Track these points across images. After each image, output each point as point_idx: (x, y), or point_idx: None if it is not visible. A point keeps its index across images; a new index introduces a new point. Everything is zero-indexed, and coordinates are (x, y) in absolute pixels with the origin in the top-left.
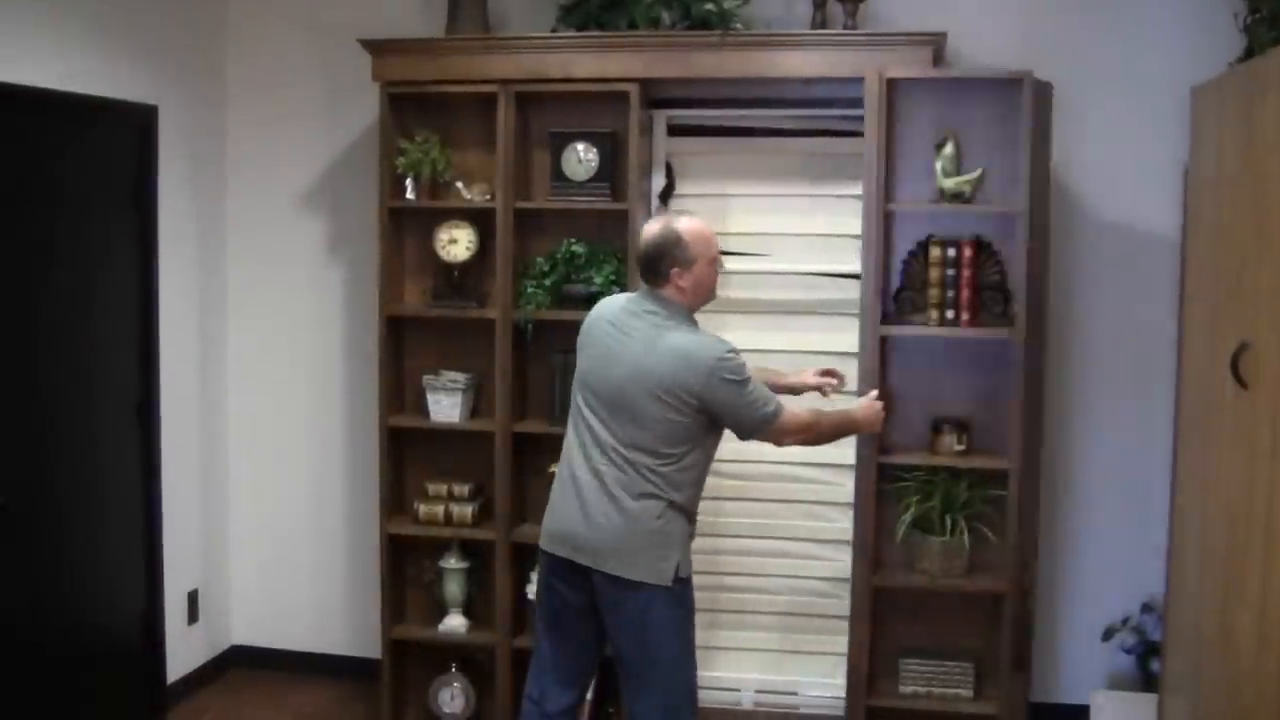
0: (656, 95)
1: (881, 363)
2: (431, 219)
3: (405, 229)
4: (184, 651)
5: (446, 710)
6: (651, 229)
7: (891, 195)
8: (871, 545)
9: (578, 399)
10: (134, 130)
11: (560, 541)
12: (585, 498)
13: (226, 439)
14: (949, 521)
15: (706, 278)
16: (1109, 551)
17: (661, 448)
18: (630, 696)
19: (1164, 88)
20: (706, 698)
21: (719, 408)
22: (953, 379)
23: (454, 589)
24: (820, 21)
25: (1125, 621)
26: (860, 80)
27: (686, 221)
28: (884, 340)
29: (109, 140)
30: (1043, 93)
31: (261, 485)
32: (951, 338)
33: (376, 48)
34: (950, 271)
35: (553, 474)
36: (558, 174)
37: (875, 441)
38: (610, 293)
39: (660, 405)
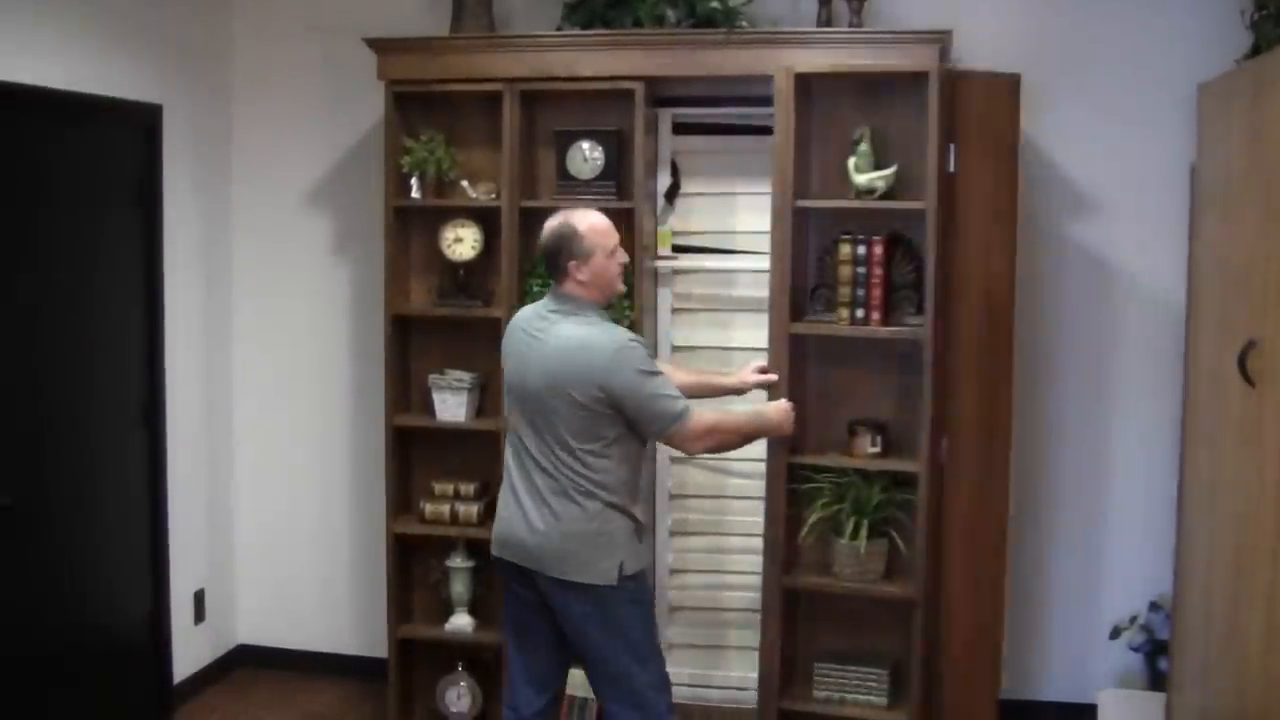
0: (662, 93)
1: (797, 362)
2: (437, 218)
3: (411, 228)
4: (190, 651)
5: (453, 709)
6: (550, 224)
7: (806, 191)
8: (782, 546)
9: (507, 411)
10: (139, 130)
11: (505, 547)
12: (524, 505)
13: (232, 439)
14: (856, 524)
15: (605, 270)
16: (1116, 550)
17: (582, 447)
18: (600, 696)
19: (1171, 85)
20: None
21: (623, 399)
22: (873, 380)
23: (460, 588)
24: (826, 19)
25: (1133, 620)
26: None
27: (583, 215)
28: (800, 339)
29: (114, 140)
30: (997, 88)
31: (267, 485)
32: (870, 337)
33: (381, 47)
34: (861, 269)
35: None
36: (563, 172)
37: (788, 442)
38: None
39: (572, 403)
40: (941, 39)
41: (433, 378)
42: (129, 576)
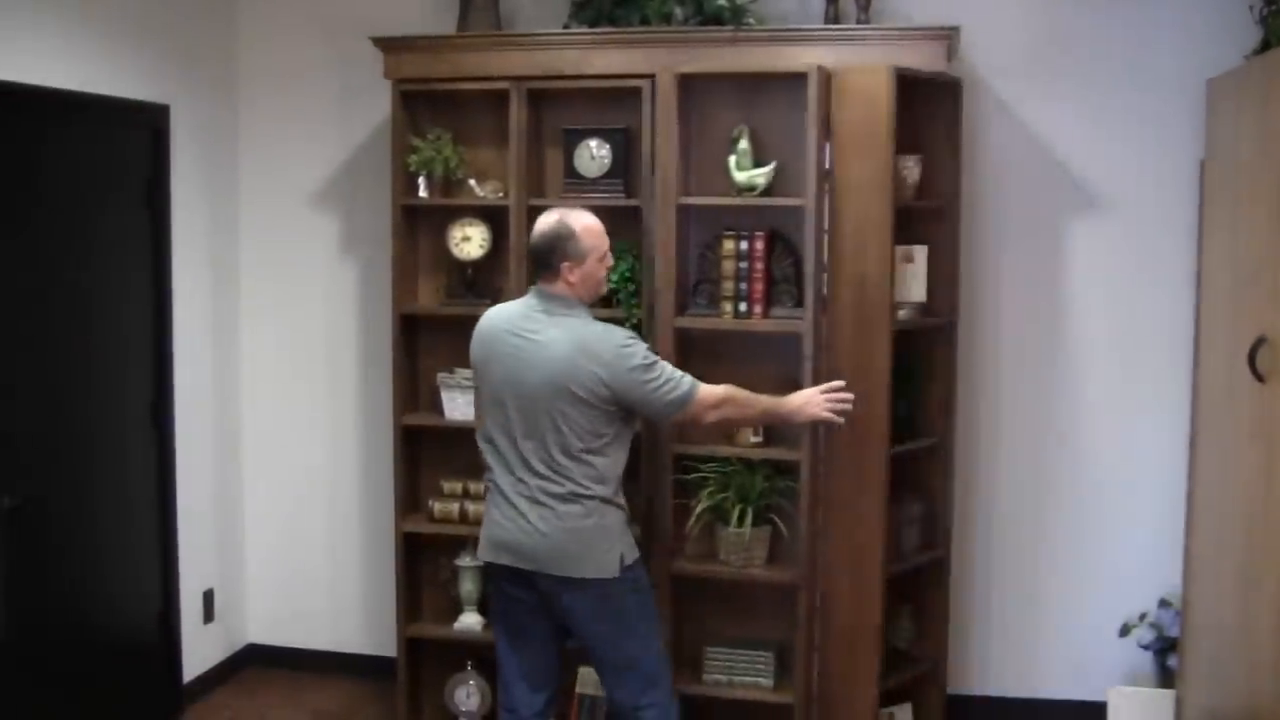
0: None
1: (682, 356)
2: (444, 217)
3: (418, 227)
4: (200, 651)
5: (463, 708)
6: (546, 221)
7: (687, 188)
8: (669, 533)
9: (492, 416)
10: (146, 130)
11: (501, 550)
12: (519, 508)
13: (241, 438)
14: (741, 512)
15: (595, 273)
16: (1125, 547)
17: (582, 445)
18: (609, 687)
19: (1180, 80)
20: None
21: (629, 395)
22: (754, 371)
23: (469, 587)
24: (833, 16)
25: (1142, 617)
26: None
27: (578, 215)
28: (684, 332)
29: (121, 140)
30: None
31: (276, 484)
32: (753, 330)
33: (388, 45)
34: (743, 264)
35: None
36: (571, 171)
37: (674, 431)
38: (625, 289)
39: (576, 402)
40: (949, 35)
41: (441, 376)
42: (138, 576)
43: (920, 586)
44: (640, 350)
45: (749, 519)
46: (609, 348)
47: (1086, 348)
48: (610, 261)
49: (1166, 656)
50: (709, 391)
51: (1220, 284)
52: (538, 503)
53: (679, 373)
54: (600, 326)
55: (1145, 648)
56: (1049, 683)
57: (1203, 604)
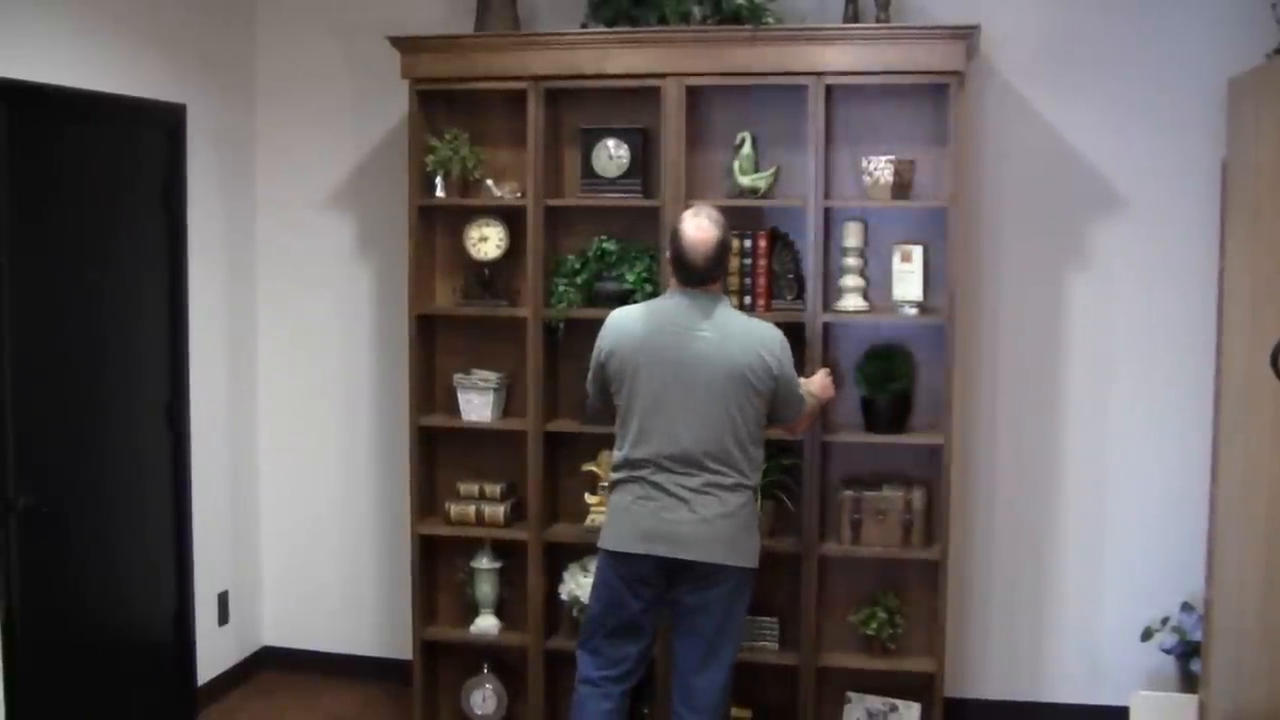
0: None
1: None
2: (461, 217)
3: (435, 227)
4: (215, 653)
5: (478, 712)
6: (709, 232)
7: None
8: None
9: (646, 413)
10: (163, 130)
11: (656, 541)
12: (683, 498)
13: (257, 440)
14: None
15: None
16: (1146, 550)
17: (754, 434)
18: (692, 672)
19: (1201, 80)
20: None
21: (784, 386)
22: None
23: (486, 589)
24: (852, 15)
25: (1165, 621)
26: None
27: (715, 211)
28: None
29: (138, 140)
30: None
31: (292, 486)
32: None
33: (405, 45)
34: (747, 261)
35: (587, 473)
36: (588, 171)
37: None
38: (643, 290)
39: (753, 392)
40: (969, 35)
41: (458, 377)
42: (153, 577)
43: (917, 585)
44: (788, 344)
45: (758, 495)
46: (776, 338)
47: (1108, 347)
48: None
49: (1189, 661)
50: (811, 403)
51: (1242, 284)
52: (702, 492)
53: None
54: (756, 320)
55: (1168, 652)
56: (1068, 687)
57: (1226, 608)
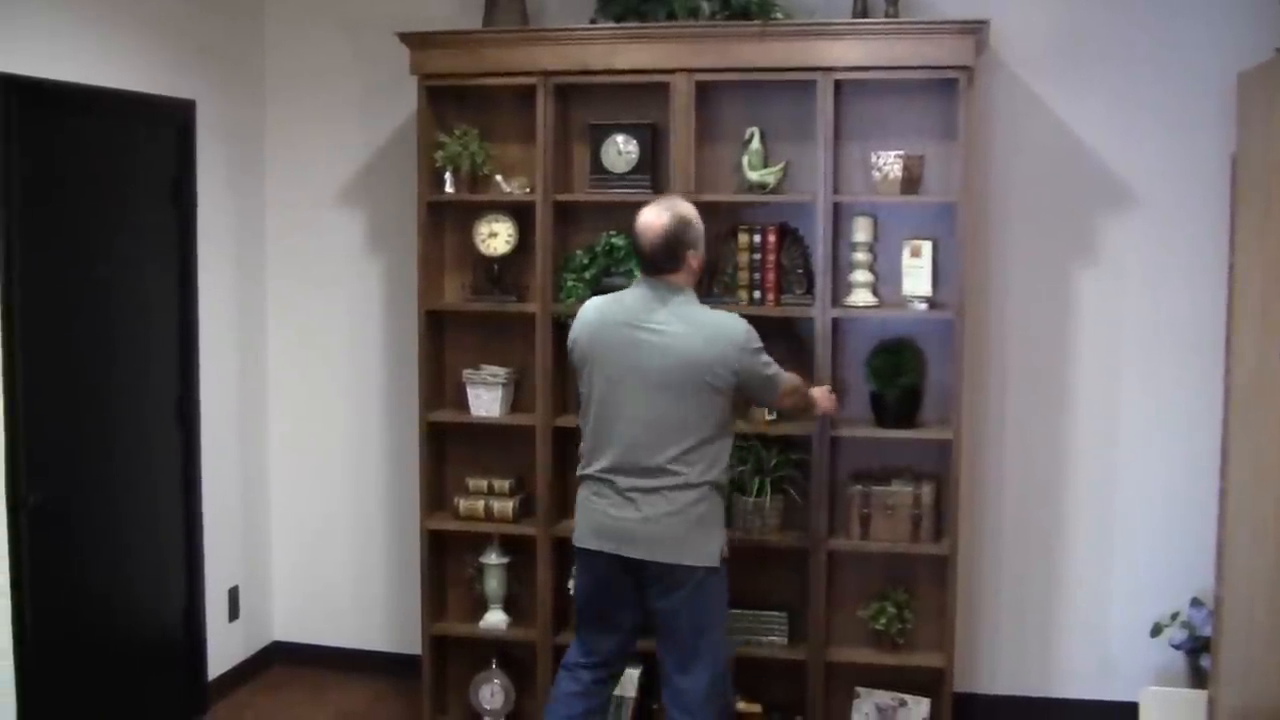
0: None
1: None
2: (471, 213)
3: (444, 223)
4: (224, 648)
5: (487, 706)
6: (660, 218)
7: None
8: None
9: (603, 407)
10: (172, 126)
11: (606, 538)
12: (629, 496)
13: (267, 436)
14: (758, 484)
15: (704, 255)
16: (1156, 546)
17: (707, 431)
18: (676, 673)
19: (1210, 74)
20: None
21: (750, 378)
22: (769, 351)
23: (494, 585)
24: (861, 10)
25: (1174, 617)
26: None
27: (682, 202)
28: None
29: (147, 136)
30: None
31: (302, 481)
32: (768, 315)
33: (415, 41)
34: (756, 256)
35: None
36: (597, 166)
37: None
38: None
39: (708, 389)
40: (978, 29)
41: (467, 373)
42: (164, 573)
43: (926, 580)
44: (755, 335)
45: (767, 490)
46: (739, 331)
47: (1117, 342)
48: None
49: (1199, 656)
50: (788, 377)
51: (1252, 279)
52: (649, 491)
53: (771, 358)
54: (718, 313)
55: (1177, 648)
56: (1077, 682)
57: (1236, 603)
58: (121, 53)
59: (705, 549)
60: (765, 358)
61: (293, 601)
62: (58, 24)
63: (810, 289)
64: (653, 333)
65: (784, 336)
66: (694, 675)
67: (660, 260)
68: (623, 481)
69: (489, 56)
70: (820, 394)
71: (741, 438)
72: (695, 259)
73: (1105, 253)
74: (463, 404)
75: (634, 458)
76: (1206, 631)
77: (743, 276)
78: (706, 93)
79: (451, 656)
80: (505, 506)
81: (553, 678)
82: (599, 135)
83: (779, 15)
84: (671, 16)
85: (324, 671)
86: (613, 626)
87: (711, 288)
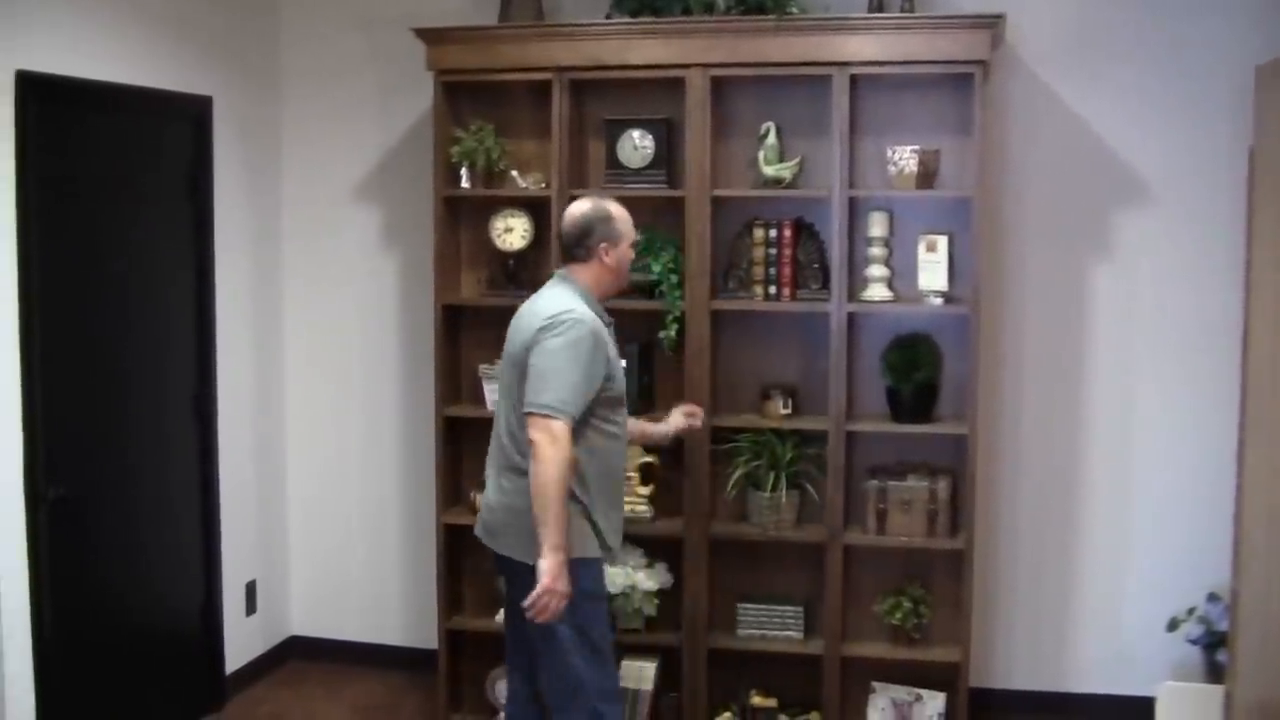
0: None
1: (717, 335)
2: (486, 208)
3: (460, 218)
4: (242, 642)
5: (503, 701)
6: (580, 206)
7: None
8: (707, 500)
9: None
10: (189, 122)
11: (479, 526)
12: (487, 479)
13: (284, 430)
14: (774, 478)
15: (626, 258)
16: (1172, 541)
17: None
18: (537, 667)
19: (1228, 67)
20: None
21: (532, 363)
22: (782, 349)
23: None
24: (877, 5)
25: (1191, 612)
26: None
27: (610, 200)
28: (716, 314)
29: (164, 132)
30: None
31: (319, 476)
32: (785, 311)
33: (430, 37)
34: (772, 251)
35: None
36: (613, 161)
37: (710, 405)
38: (668, 280)
39: (524, 372)
40: (994, 24)
41: (483, 368)
42: (181, 568)
43: (942, 575)
44: (580, 335)
45: (782, 484)
46: (546, 312)
47: (1133, 337)
48: (632, 255)
49: (1215, 651)
50: (561, 433)
51: (1269, 274)
52: (495, 474)
53: (573, 398)
54: (557, 295)
55: (1194, 642)
56: (1093, 678)
57: (1252, 598)
58: (138, 50)
59: (527, 544)
60: (554, 344)
61: (310, 596)
62: (75, 21)
63: (826, 284)
64: (520, 316)
65: (799, 330)
66: (545, 677)
67: (569, 245)
68: (489, 466)
69: (505, 52)
70: (556, 559)
71: (755, 432)
72: (609, 255)
73: (1121, 247)
74: (479, 399)
75: (495, 442)
76: (1223, 626)
77: (758, 272)
78: (722, 88)
79: (467, 651)
80: None
81: None
82: (615, 130)
83: (794, 10)
84: (686, 11)
85: (340, 666)
86: (511, 629)
87: (727, 283)
